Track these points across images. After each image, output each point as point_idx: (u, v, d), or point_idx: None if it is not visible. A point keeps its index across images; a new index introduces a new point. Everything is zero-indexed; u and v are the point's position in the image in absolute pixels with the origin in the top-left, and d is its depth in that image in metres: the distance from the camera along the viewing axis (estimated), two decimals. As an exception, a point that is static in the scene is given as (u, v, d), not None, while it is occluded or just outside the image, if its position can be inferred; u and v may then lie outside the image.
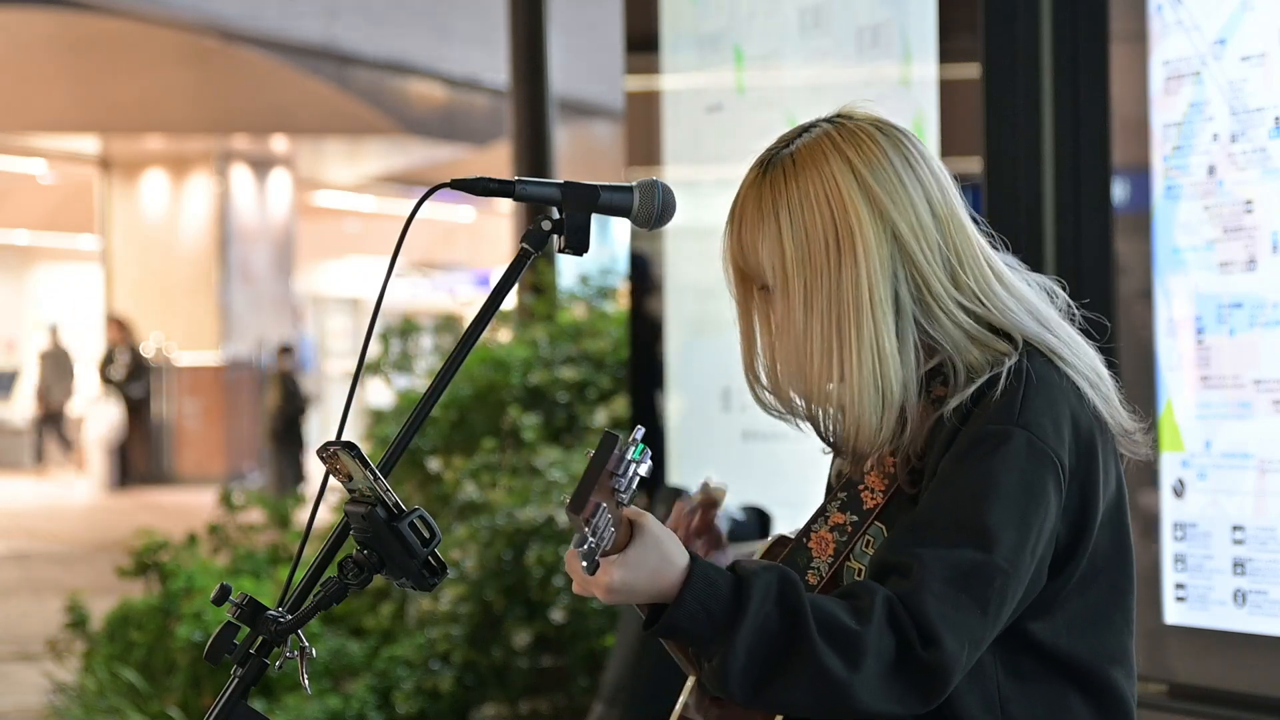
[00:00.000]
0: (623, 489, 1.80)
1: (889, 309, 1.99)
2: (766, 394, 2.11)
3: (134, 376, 19.09)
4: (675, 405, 4.88)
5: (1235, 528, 3.18)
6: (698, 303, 4.79)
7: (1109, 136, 3.46)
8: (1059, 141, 3.59)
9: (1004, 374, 1.98)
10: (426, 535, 1.93)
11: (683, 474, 4.76)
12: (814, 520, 2.11)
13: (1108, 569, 2.04)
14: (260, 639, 1.95)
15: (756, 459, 4.53)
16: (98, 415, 19.04)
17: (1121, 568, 2.05)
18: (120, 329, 19.23)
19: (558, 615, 5.66)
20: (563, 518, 5.75)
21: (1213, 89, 3.19)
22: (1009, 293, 2.05)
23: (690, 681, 2.13)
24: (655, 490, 4.67)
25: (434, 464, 6.47)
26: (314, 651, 1.95)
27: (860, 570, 2.04)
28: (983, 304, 2.03)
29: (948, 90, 3.74)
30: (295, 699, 6.03)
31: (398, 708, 5.95)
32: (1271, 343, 3.10)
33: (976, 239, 2.06)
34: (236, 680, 1.95)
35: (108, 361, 19.03)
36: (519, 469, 6.27)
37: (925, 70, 3.82)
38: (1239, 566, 3.18)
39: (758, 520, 4.31)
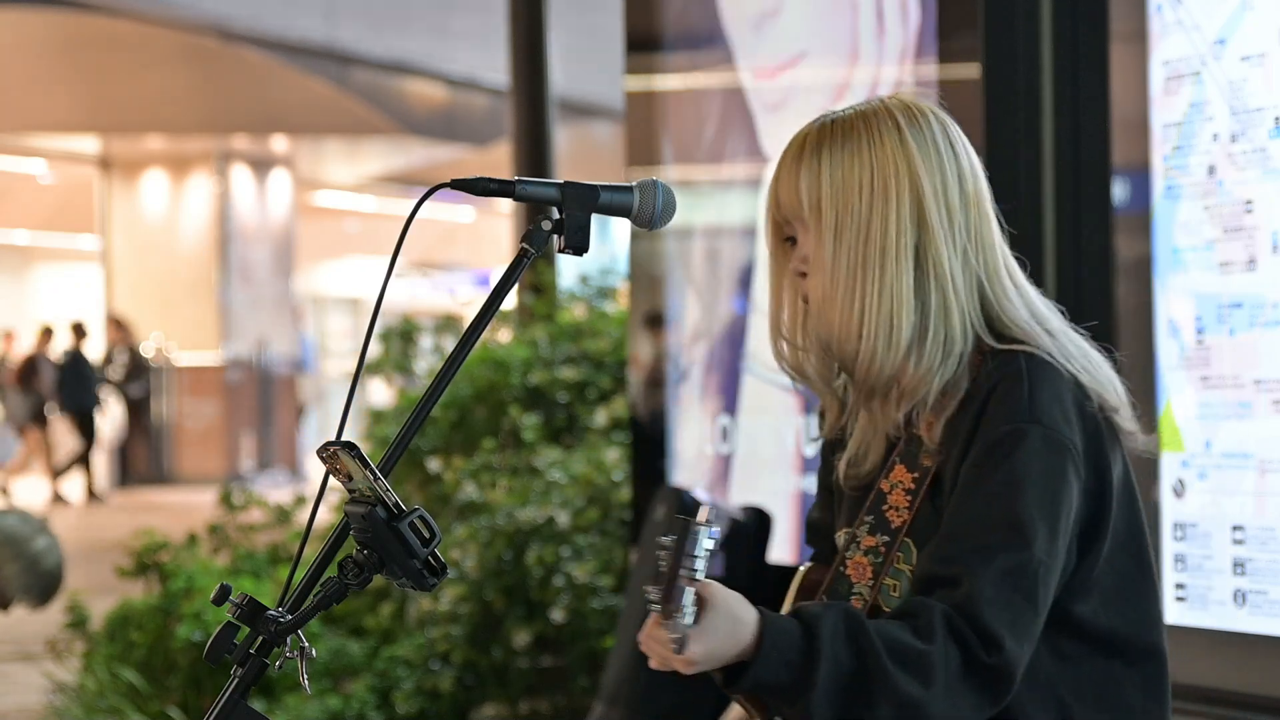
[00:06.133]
0: (698, 568, 1.87)
1: (910, 260, 2.11)
2: (784, 345, 2.23)
3: (133, 376, 19.07)
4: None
5: (1235, 528, 3.18)
6: (697, 302, 4.78)
7: (1109, 136, 3.46)
8: (1059, 141, 3.59)
9: (1004, 375, 2.09)
10: (426, 535, 1.93)
11: (683, 474, 4.76)
12: (846, 547, 2.20)
13: (1127, 541, 2.15)
14: (260, 639, 1.95)
15: (756, 459, 4.52)
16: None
17: (1139, 538, 2.17)
18: (120, 329, 19.20)
19: (558, 615, 5.66)
20: (563, 519, 5.75)
21: (1213, 89, 3.19)
22: (1014, 285, 2.17)
23: None
24: (655, 490, 4.67)
25: (434, 464, 6.46)
26: (314, 651, 1.95)
27: (896, 587, 2.14)
28: (987, 288, 2.14)
29: (948, 90, 3.73)
30: (295, 699, 6.03)
31: (398, 708, 5.94)
32: (1271, 343, 3.10)
33: (996, 230, 2.18)
34: (236, 680, 1.95)
35: (107, 361, 19.00)
36: (519, 469, 6.26)
37: (925, 70, 3.81)
38: (1239, 566, 3.18)
39: (757, 520, 4.31)
